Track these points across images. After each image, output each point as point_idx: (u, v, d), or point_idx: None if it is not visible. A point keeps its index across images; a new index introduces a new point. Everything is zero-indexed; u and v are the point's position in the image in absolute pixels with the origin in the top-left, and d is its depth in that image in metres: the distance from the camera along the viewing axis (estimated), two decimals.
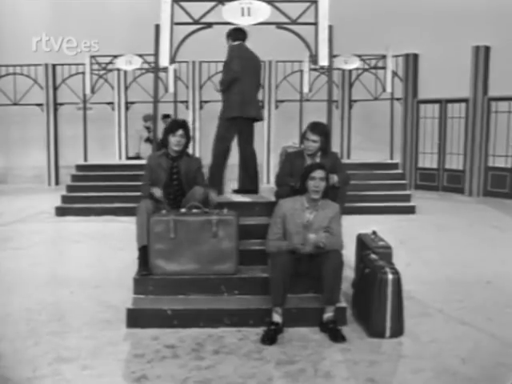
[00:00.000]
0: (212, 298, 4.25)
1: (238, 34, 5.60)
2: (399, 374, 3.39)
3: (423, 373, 3.36)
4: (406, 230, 7.76)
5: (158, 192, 4.49)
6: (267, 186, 9.50)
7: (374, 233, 4.75)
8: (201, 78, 13.02)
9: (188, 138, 4.68)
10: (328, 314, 3.97)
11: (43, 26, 12.61)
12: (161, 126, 12.38)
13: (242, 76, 5.44)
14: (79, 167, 10.16)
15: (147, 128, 12.15)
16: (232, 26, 5.34)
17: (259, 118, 5.66)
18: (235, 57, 5.50)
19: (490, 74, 11.22)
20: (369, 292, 3.96)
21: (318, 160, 4.70)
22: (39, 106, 13.31)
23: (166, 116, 12.32)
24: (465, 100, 11.54)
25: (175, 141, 4.59)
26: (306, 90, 11.74)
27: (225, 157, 5.58)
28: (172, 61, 4.95)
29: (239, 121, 5.48)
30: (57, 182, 13.41)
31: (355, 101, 13.42)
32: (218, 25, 4.92)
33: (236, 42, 5.61)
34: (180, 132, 4.59)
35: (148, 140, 12.26)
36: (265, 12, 4.79)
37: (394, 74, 11.53)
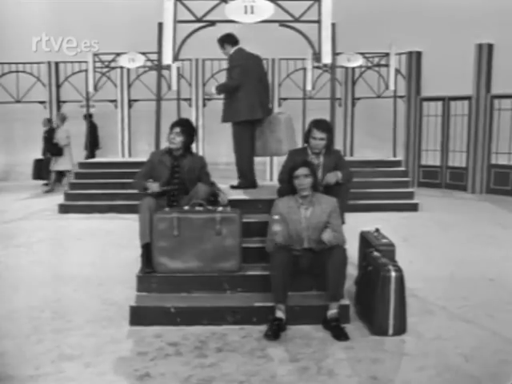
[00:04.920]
0: (215, 295, 4.25)
1: (232, 38, 5.67)
2: (402, 371, 3.39)
3: (426, 370, 3.36)
4: (409, 228, 7.75)
5: (155, 187, 4.49)
6: (270, 183, 9.51)
7: (377, 230, 4.75)
8: (204, 75, 13.02)
9: (188, 136, 4.63)
10: (332, 311, 3.97)
11: (43, 25, 12.62)
12: (42, 130, 12.26)
13: (246, 82, 5.51)
14: (82, 165, 10.18)
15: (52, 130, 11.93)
16: (224, 33, 5.53)
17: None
18: (236, 66, 5.56)
19: (493, 71, 11.20)
20: (372, 290, 3.96)
21: (321, 158, 4.70)
22: (42, 103, 13.33)
23: (49, 120, 12.29)
24: (468, 98, 11.52)
25: (170, 138, 4.60)
26: (309, 87, 11.75)
27: (250, 154, 5.76)
28: (175, 59, 4.96)
29: (248, 123, 5.63)
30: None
31: (358, 98, 13.41)
32: (221, 23, 4.93)
33: (234, 48, 5.65)
34: (176, 130, 4.57)
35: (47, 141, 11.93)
36: (268, 10, 4.80)
37: (397, 71, 11.51)
